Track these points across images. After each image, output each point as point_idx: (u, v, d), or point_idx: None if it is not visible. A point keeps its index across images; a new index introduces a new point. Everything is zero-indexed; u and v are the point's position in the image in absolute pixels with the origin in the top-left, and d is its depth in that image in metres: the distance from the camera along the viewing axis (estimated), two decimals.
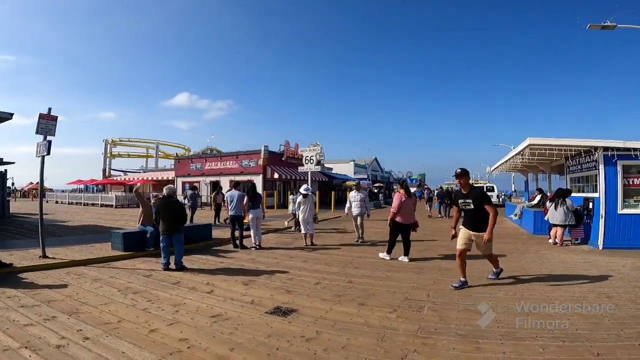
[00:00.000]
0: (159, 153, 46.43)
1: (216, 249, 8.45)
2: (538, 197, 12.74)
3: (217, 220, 12.97)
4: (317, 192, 24.58)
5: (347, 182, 34.20)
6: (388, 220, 6.76)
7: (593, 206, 7.96)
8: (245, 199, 8.42)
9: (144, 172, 37.30)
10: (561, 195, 8.43)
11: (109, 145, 43.85)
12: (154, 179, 31.15)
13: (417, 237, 10.22)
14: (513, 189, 28.08)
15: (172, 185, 6.88)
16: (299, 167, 17.10)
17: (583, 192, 8.91)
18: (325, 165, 37.05)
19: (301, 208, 8.67)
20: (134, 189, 11.86)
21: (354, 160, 40.28)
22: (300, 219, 8.94)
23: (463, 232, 4.80)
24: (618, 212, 7.32)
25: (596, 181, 7.91)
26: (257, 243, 8.46)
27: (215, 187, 13.67)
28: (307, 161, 15.78)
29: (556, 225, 8.38)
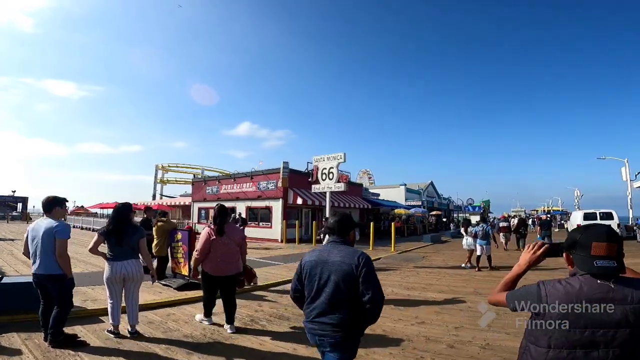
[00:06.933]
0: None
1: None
2: None
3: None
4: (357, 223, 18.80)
5: (396, 210, 27.80)
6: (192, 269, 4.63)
7: None
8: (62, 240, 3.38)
9: (181, 196, 36.04)
10: None
11: (159, 171, 45.51)
12: (169, 204, 28.62)
13: None
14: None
15: None
16: (313, 186, 11.72)
17: None
18: (371, 190, 31.35)
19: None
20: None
21: (405, 185, 33.81)
22: None
23: None
24: None
25: None
26: (130, 325, 3.78)
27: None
28: (324, 176, 10.41)
29: None
